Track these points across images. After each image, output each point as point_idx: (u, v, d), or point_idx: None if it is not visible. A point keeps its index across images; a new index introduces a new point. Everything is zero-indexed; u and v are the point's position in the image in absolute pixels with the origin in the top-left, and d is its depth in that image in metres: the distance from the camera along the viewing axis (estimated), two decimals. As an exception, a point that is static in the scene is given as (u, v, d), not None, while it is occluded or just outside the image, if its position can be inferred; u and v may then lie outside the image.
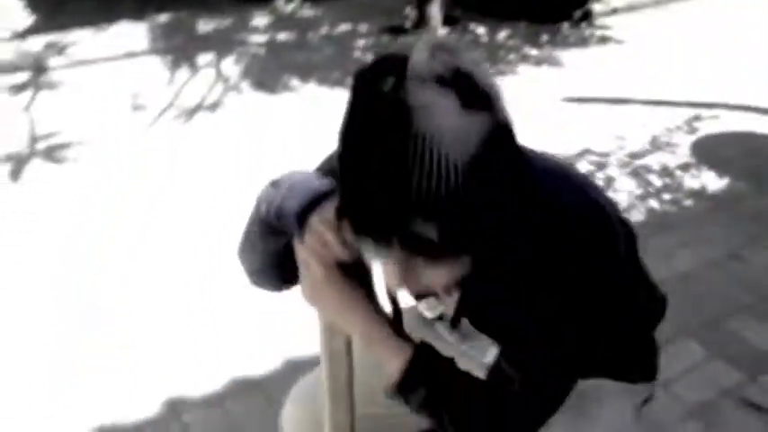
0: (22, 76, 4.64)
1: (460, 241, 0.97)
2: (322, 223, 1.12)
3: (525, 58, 5.03)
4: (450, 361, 1.19)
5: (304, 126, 4.08)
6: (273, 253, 1.27)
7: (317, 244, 1.12)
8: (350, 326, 1.17)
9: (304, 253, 1.15)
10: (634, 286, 1.40)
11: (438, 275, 1.05)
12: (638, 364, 1.46)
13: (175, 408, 2.38)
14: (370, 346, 1.17)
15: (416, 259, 0.98)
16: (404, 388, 1.16)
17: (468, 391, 1.17)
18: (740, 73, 4.80)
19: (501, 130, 0.97)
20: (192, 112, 4.22)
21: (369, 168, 0.93)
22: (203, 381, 2.47)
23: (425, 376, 1.16)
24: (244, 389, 2.45)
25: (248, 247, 1.33)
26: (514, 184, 1.01)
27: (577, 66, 5.00)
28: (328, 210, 1.10)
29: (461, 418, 1.17)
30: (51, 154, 3.81)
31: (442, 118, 0.91)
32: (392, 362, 1.16)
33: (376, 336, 1.16)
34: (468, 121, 0.92)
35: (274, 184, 1.24)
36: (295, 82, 4.57)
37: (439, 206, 0.92)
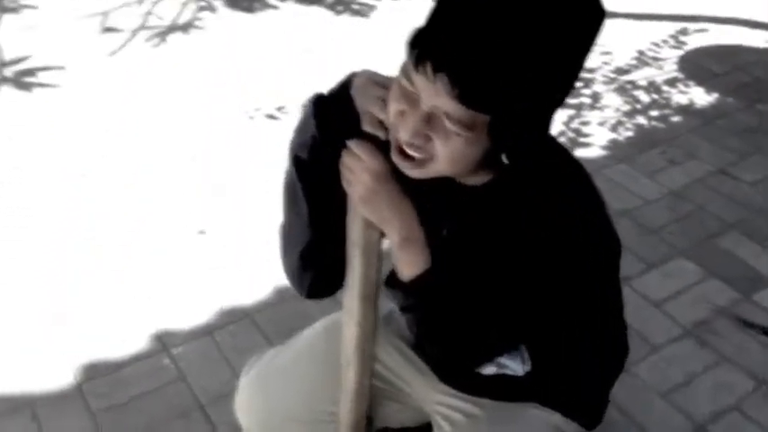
0: (-15, -2, 4.47)
1: (504, 117, 1.04)
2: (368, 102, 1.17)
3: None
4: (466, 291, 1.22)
5: (284, 46, 3.98)
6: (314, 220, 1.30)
7: (365, 149, 1.17)
8: (395, 224, 1.20)
9: (353, 156, 1.18)
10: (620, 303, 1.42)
11: (450, 145, 1.08)
12: (586, 404, 1.46)
13: (163, 340, 2.36)
14: (406, 247, 1.20)
15: (449, 113, 1.04)
16: (418, 282, 1.20)
17: (466, 317, 1.22)
18: (727, -16, 4.74)
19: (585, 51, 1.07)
20: (164, 34, 4.10)
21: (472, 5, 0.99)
22: (191, 312, 2.45)
23: (441, 281, 1.20)
24: (232, 319, 2.43)
25: (289, 233, 1.37)
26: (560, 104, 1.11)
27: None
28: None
29: (443, 334, 1.25)
30: (20, 80, 3.69)
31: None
32: (419, 261, 1.20)
33: (415, 236, 1.20)
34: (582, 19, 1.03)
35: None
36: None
37: (510, 67, 0.99)
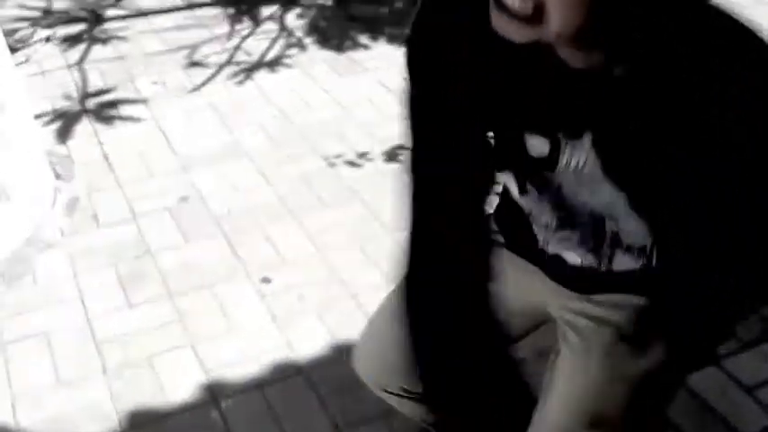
0: (78, 27, 4.64)
1: None
2: None
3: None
4: None
5: (371, 87, 3.99)
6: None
7: None
8: None
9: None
10: None
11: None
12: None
13: (214, 393, 2.36)
14: None
15: None
16: None
17: None
18: None
19: None
20: (251, 70, 4.17)
21: None
22: (242, 366, 2.44)
23: None
24: (285, 374, 2.42)
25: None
26: None
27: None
28: None
29: None
30: (102, 113, 3.80)
31: None
32: None
33: None
34: None
35: None
36: (363, 39, 4.47)
37: None
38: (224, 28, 4.60)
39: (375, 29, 4.55)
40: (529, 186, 1.42)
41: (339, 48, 4.39)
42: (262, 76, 4.12)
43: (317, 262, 2.88)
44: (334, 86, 4.01)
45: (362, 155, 3.46)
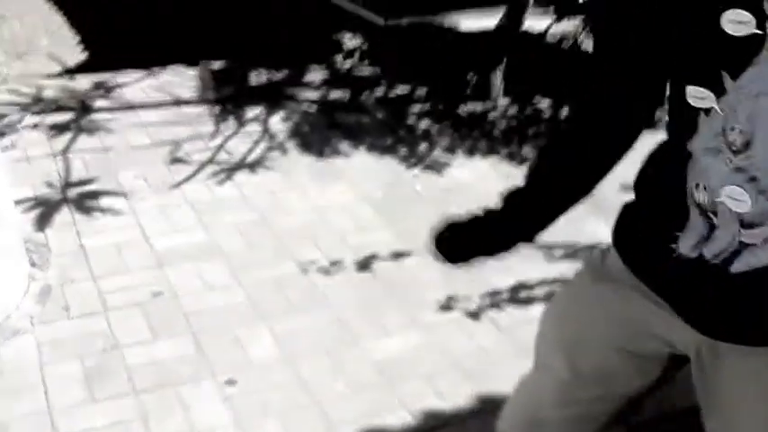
0: (66, 116, 4.74)
1: None
2: None
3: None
4: None
5: (347, 195, 4.09)
6: None
7: None
8: None
9: None
10: None
11: None
12: None
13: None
14: None
15: None
16: None
17: None
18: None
19: None
20: (231, 170, 4.26)
21: None
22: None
23: None
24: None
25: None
26: None
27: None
28: None
29: None
30: (82, 203, 3.86)
31: None
32: None
33: None
34: None
35: None
36: (344, 146, 4.59)
37: None
38: (209, 126, 4.71)
39: (356, 137, 4.69)
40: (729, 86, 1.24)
41: (320, 154, 4.50)
42: (242, 176, 4.22)
43: (283, 367, 2.92)
44: (313, 192, 4.11)
45: (335, 262, 3.54)
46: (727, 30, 1.20)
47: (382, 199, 4.08)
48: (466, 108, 5.12)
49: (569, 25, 5.73)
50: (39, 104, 4.82)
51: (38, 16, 6.13)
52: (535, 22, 5.74)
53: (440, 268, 3.43)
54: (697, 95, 1.27)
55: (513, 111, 5.16)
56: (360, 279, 3.45)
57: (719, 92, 1.24)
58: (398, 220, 3.88)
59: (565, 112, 5.27)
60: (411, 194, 4.16)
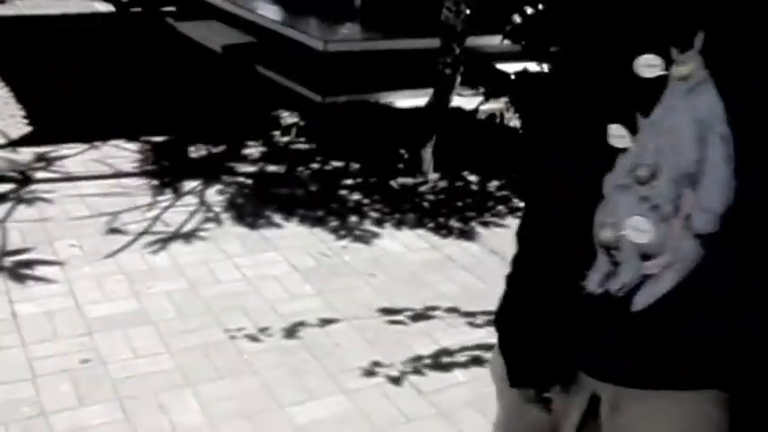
0: (6, 187, 4.84)
1: None
2: None
3: (514, 210, 5.20)
4: None
5: (278, 264, 4.23)
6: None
7: None
8: None
9: None
10: None
11: None
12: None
13: None
14: None
15: None
16: None
17: None
18: None
19: None
20: (166, 240, 4.39)
21: None
22: None
23: None
24: None
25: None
26: None
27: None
28: None
29: None
30: (16, 271, 3.96)
31: None
32: None
33: None
34: None
35: None
36: (277, 218, 4.75)
37: None
38: (147, 198, 4.85)
39: (290, 209, 4.85)
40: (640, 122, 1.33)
41: (253, 225, 4.65)
42: (176, 247, 4.34)
43: None
44: (244, 262, 4.25)
45: (263, 330, 3.66)
46: (639, 73, 1.31)
47: (312, 269, 4.23)
48: (397, 182, 5.33)
49: (497, 104, 6.01)
50: (-21, 176, 4.93)
51: (-17, 90, 6.28)
52: (466, 101, 6.02)
53: (365, 335, 3.63)
54: (617, 134, 1.34)
55: (442, 184, 5.38)
56: (287, 346, 3.57)
57: (634, 130, 1.33)
58: (327, 289, 4.03)
59: (492, 185, 5.51)
60: (340, 265, 4.31)
